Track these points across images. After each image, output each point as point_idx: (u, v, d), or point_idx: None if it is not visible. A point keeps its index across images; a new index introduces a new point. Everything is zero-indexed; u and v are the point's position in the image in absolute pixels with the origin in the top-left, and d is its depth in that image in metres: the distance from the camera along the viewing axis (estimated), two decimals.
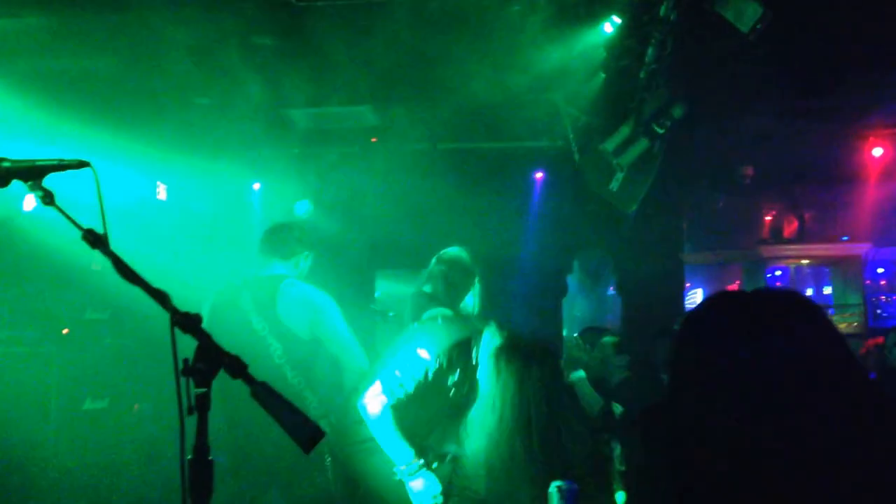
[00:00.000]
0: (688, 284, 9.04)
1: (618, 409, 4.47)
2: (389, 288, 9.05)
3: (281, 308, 4.17)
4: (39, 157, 2.29)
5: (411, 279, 6.97)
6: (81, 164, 2.33)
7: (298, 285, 4.25)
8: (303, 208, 7.73)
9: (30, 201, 6.01)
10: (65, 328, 5.90)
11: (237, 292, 4.22)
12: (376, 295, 8.72)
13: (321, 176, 7.83)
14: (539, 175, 7.72)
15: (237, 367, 2.02)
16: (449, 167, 7.16)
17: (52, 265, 6.06)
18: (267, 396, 2.00)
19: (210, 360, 2.00)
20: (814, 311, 1.41)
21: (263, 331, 4.09)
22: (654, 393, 4.52)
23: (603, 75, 5.23)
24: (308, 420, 1.96)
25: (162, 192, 7.27)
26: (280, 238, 4.36)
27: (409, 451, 3.33)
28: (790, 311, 1.39)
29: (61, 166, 2.29)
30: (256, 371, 1.84)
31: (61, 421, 5.28)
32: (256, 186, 8.29)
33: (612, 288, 8.84)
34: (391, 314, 5.29)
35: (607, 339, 4.86)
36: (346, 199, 7.60)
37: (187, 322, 2.04)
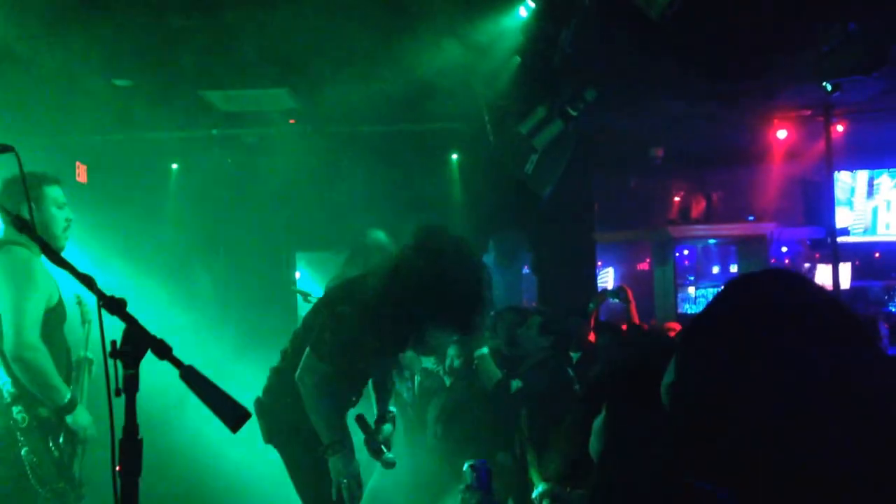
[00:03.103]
0: (599, 263, 9.31)
1: (515, 384, 4.53)
2: (309, 269, 9.09)
3: None
4: None
5: (331, 260, 7.04)
6: (4, 149, 2.35)
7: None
8: None
9: None
10: None
11: None
12: (296, 276, 8.74)
13: (240, 158, 7.79)
14: (455, 157, 7.84)
15: (163, 350, 2.07)
16: (367, 149, 7.23)
17: None
18: (194, 379, 2.06)
19: (137, 343, 2.05)
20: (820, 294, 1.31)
21: None
22: (562, 373, 4.62)
23: (518, 59, 5.34)
24: (235, 401, 2.03)
25: (82, 174, 7.14)
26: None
27: (335, 426, 3.39)
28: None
29: None
30: None
31: None
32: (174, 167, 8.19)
33: (526, 267, 9.04)
34: (312, 297, 5.34)
35: (535, 319, 4.93)
36: (265, 181, 7.58)
37: (114, 305, 2.09)
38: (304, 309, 6.21)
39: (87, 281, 2.15)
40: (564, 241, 7.57)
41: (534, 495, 3.20)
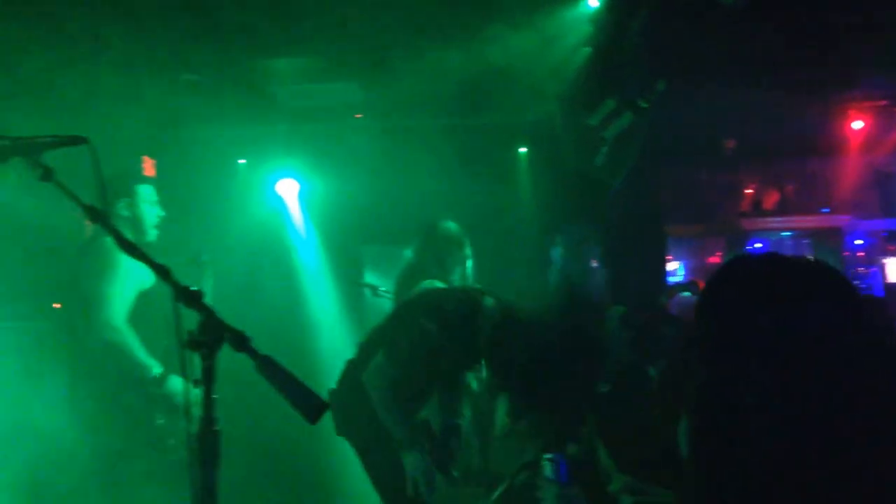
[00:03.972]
0: (669, 257, 9.13)
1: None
2: (376, 263, 9.09)
3: None
4: (37, 134, 2.32)
5: (396, 255, 7.04)
6: (78, 141, 2.37)
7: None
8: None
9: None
10: (56, 303, 5.91)
11: None
12: (363, 270, 8.75)
13: (307, 152, 7.83)
14: (522, 150, 7.75)
15: (240, 340, 2.06)
16: (434, 143, 7.17)
17: (42, 241, 6.07)
18: (270, 369, 2.05)
19: (213, 334, 2.05)
20: (834, 278, 1.37)
21: None
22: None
23: (588, 49, 5.25)
24: (312, 392, 2.01)
25: (149, 168, 7.25)
26: None
27: (406, 425, 3.37)
28: (809, 276, 1.36)
29: (59, 143, 2.32)
30: None
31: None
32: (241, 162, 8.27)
33: (594, 261, 8.89)
34: (383, 289, 5.34)
35: (616, 309, 4.83)
36: (331, 175, 7.60)
37: (189, 296, 2.09)
38: (371, 303, 6.24)
39: (163, 271, 2.16)
40: (634, 234, 7.42)
41: (612, 489, 3.13)
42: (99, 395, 3.88)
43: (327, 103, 7.20)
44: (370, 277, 8.27)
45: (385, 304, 5.67)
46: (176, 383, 3.95)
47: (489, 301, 3.53)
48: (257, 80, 6.66)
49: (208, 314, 2.06)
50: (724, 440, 1.28)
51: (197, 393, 2.04)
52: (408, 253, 5.02)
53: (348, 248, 8.25)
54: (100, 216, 2.22)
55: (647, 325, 4.88)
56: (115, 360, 3.86)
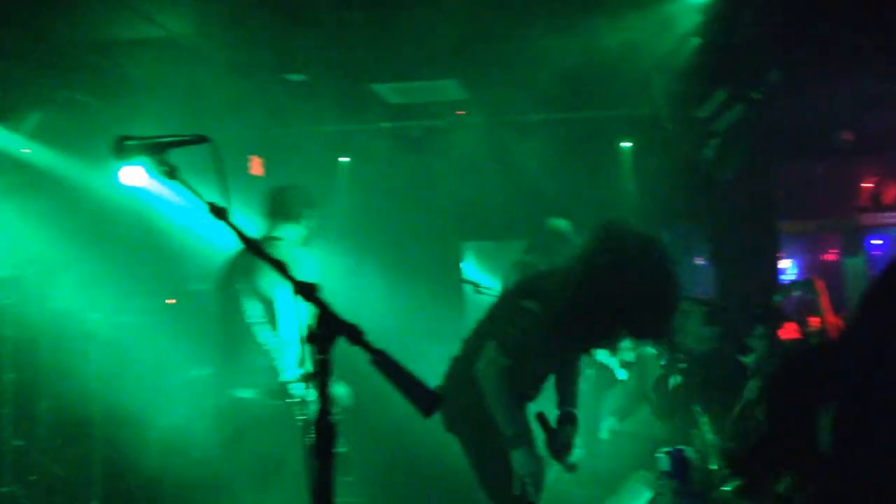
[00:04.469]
0: (782, 255, 8.81)
1: (674, 380, 4.34)
2: (478, 259, 9.09)
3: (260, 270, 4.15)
4: (161, 134, 2.41)
5: (498, 251, 7.03)
6: (201, 140, 2.44)
7: (291, 249, 4.24)
8: None
9: (126, 175, 6.24)
10: (170, 298, 6.17)
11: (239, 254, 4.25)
12: (465, 266, 8.77)
13: (409, 150, 7.89)
14: (627, 144, 7.59)
15: (355, 335, 2.07)
16: (536, 138, 7.12)
17: (155, 237, 6.33)
18: (385, 363, 2.05)
19: (329, 328, 2.07)
20: None
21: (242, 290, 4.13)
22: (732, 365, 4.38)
23: (696, 40, 5.10)
24: (426, 386, 2.01)
25: (256, 167, 7.45)
26: (285, 199, 4.38)
27: (516, 420, 3.34)
28: None
29: (182, 142, 2.40)
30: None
31: (170, 387, 5.51)
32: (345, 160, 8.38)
33: (701, 258, 8.67)
34: (483, 287, 5.34)
35: (697, 308, 4.74)
36: (433, 172, 7.64)
37: (306, 290, 2.11)
38: (473, 299, 6.23)
39: (280, 266, 2.19)
40: (744, 230, 7.19)
41: (724, 489, 3.05)
42: None
43: (429, 100, 7.23)
44: (471, 274, 8.29)
45: (487, 300, 5.66)
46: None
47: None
48: (360, 78, 6.74)
49: (325, 308, 2.08)
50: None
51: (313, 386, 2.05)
52: (510, 249, 4.99)
53: (449, 244, 8.27)
54: (222, 213, 2.27)
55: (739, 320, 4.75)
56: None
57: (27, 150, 5.96)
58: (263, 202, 4.42)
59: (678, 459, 2.81)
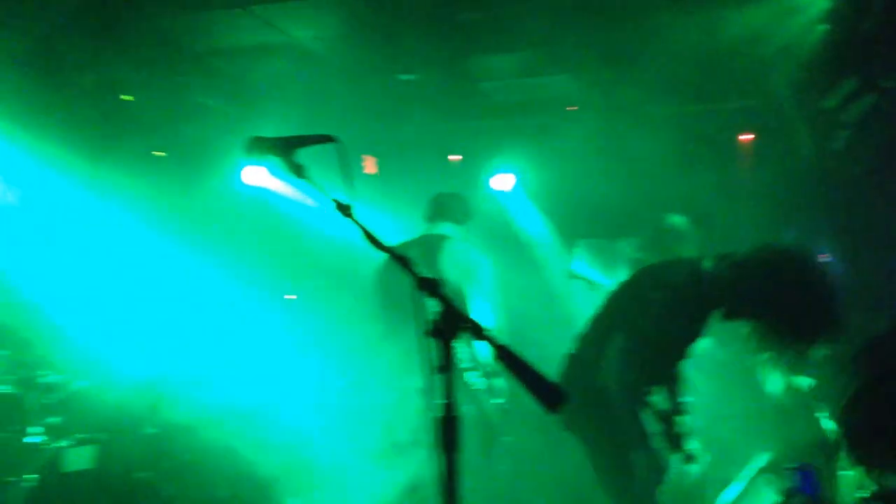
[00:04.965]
0: None
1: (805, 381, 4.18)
2: (591, 256, 8.98)
3: (442, 262, 4.68)
4: (290, 134, 2.49)
5: (613, 247, 6.91)
6: (328, 139, 2.52)
7: (463, 244, 4.94)
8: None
9: (249, 174, 6.50)
10: (290, 294, 6.36)
11: (407, 248, 4.67)
12: (577, 263, 8.67)
13: (519, 147, 7.87)
14: (749, 136, 7.32)
15: (479, 330, 2.10)
16: (652, 132, 6.96)
17: (276, 234, 6.54)
18: (509, 358, 2.07)
19: (452, 323, 2.09)
20: None
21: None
22: None
23: (824, 27, 4.89)
24: (551, 382, 2.01)
25: (370, 166, 7.60)
26: (456, 206, 5.17)
27: (639, 418, 3.29)
28: None
29: (310, 141, 2.48)
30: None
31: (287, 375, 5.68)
32: (455, 159, 8.42)
33: (826, 255, 8.28)
34: (596, 284, 5.29)
35: None
36: (544, 169, 7.59)
37: (429, 286, 2.15)
38: (585, 296, 6.17)
39: (404, 262, 2.23)
40: (875, 228, 6.82)
41: (861, 496, 2.92)
42: None
43: (540, 97, 7.19)
44: (584, 270, 8.19)
45: (601, 297, 5.59)
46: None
47: (707, 263, 3.40)
48: (470, 76, 6.77)
49: (448, 304, 2.10)
50: None
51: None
52: (622, 245, 4.97)
53: (561, 241, 8.21)
54: (347, 210, 2.33)
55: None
56: None
57: (160, 154, 6.26)
58: (427, 206, 5.18)
59: (810, 475, 2.69)
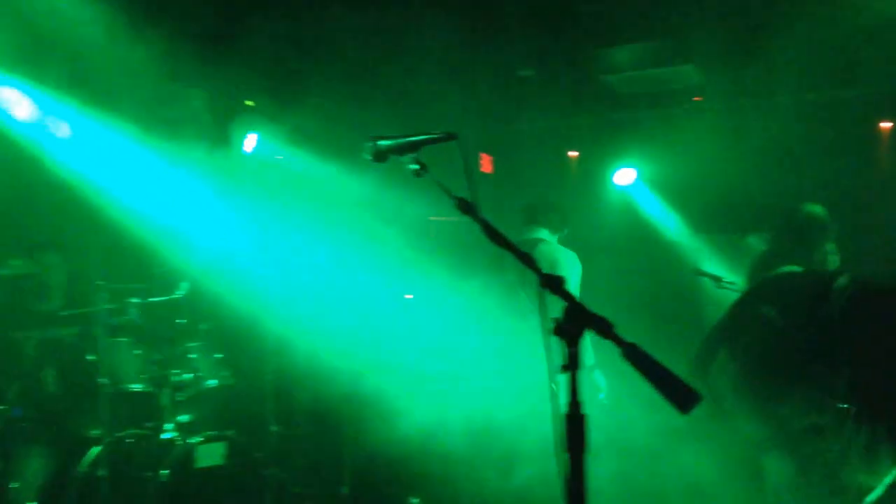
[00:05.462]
0: None
1: None
2: (717, 252, 8.69)
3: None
4: (413, 134, 2.49)
5: (742, 243, 6.64)
6: (450, 137, 2.49)
7: (554, 245, 5.17)
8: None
9: None
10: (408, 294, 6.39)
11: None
12: (703, 260, 8.41)
13: (641, 141, 7.68)
14: (888, 124, 6.89)
15: (605, 328, 2.03)
16: (780, 122, 6.66)
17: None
18: (638, 357, 1.99)
19: (577, 320, 2.03)
20: None
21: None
22: None
23: None
24: (683, 382, 1.93)
25: (487, 164, 7.58)
26: (554, 214, 5.33)
27: (763, 424, 3.15)
28: None
29: (432, 140, 2.46)
30: None
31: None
32: (573, 155, 8.31)
33: None
34: (727, 280, 5.09)
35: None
36: (667, 163, 7.38)
37: (553, 283, 2.09)
38: (712, 294, 5.95)
39: (527, 260, 2.19)
40: None
41: None
42: None
43: (662, 88, 6.99)
44: (710, 267, 7.91)
45: (728, 295, 5.38)
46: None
47: (842, 281, 3.18)
48: (590, 70, 6.64)
49: (573, 301, 2.05)
50: None
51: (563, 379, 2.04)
52: (752, 240, 4.75)
53: (685, 236, 7.97)
54: (470, 208, 2.30)
55: None
56: None
57: (281, 157, 6.43)
58: (523, 212, 5.33)
59: None
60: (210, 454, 4.81)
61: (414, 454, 5.28)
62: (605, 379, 4.92)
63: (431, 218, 7.00)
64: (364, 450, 5.74)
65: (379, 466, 5.74)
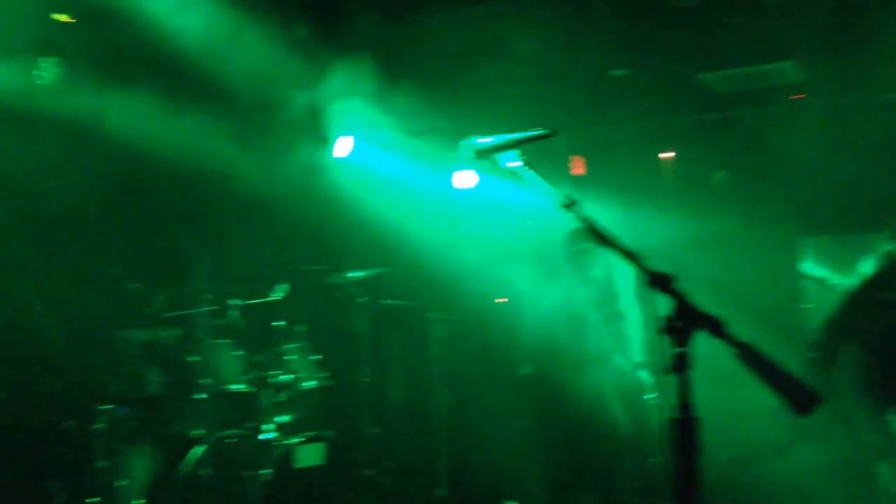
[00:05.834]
0: None
1: None
2: (821, 255, 8.40)
3: None
4: (511, 133, 2.48)
5: (848, 244, 6.39)
6: (550, 135, 2.48)
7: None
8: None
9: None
10: (500, 297, 6.38)
11: None
12: (806, 262, 8.13)
13: (738, 140, 7.47)
14: None
15: (717, 327, 1.97)
16: (891, 119, 6.38)
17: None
18: (753, 357, 1.93)
19: (688, 319, 1.98)
20: None
21: None
22: None
23: None
24: (801, 382, 1.86)
25: (578, 167, 7.48)
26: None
27: (882, 427, 3.02)
28: None
29: (533, 137, 2.46)
30: None
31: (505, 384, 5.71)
32: (668, 156, 8.13)
33: None
34: (833, 282, 4.91)
35: None
36: (766, 164, 7.16)
37: (661, 281, 2.04)
38: (814, 296, 5.75)
39: (634, 257, 2.15)
40: None
41: None
42: None
43: (762, 86, 6.79)
44: (815, 270, 7.63)
45: (833, 297, 5.21)
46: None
47: None
48: (687, 68, 6.50)
49: (683, 300, 2.00)
50: None
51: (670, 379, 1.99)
52: (873, 238, 4.60)
53: (786, 239, 7.71)
54: (574, 205, 2.28)
55: None
56: None
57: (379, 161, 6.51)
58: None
59: None
60: (310, 455, 4.88)
61: (512, 457, 5.27)
62: (651, 378, 4.79)
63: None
64: (461, 452, 5.76)
65: (475, 469, 5.74)
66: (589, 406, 4.34)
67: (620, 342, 4.54)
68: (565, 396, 4.44)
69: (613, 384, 4.42)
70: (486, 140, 2.45)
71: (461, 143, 2.47)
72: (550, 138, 2.47)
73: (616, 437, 4.34)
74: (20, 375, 4.45)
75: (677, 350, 1.97)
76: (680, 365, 1.97)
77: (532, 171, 2.35)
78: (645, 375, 4.63)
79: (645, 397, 4.54)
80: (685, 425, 1.95)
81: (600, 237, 2.20)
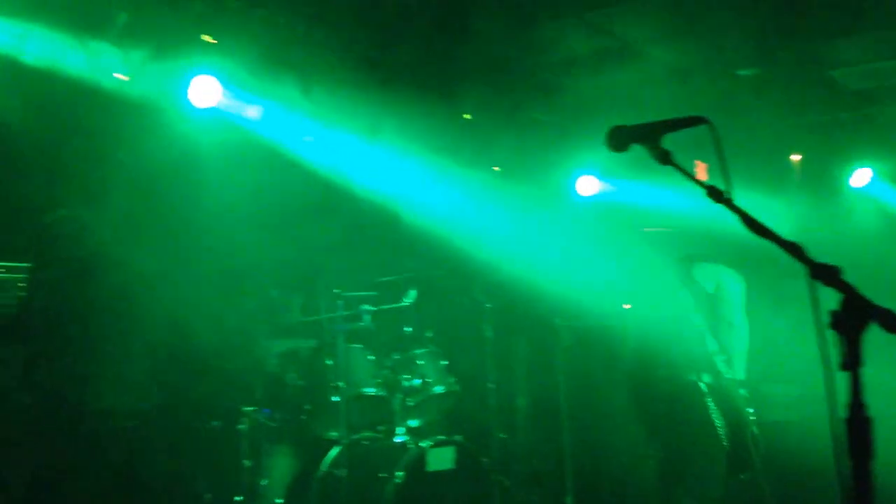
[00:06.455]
0: None
1: None
2: None
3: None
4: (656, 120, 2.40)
5: None
6: (698, 122, 2.39)
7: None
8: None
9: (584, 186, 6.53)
10: (626, 303, 6.28)
11: None
12: None
13: (875, 139, 7.14)
14: None
15: (891, 321, 1.87)
16: None
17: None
18: None
19: (857, 313, 1.89)
20: None
21: None
22: None
23: None
24: None
25: (702, 172, 7.29)
26: None
27: None
28: None
29: (680, 124, 2.37)
30: None
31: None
32: (795, 158, 7.84)
33: None
34: None
35: None
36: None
37: (827, 274, 1.95)
38: None
39: (795, 249, 2.06)
40: None
41: None
42: None
43: None
44: None
45: None
46: None
47: None
48: (819, 65, 6.25)
49: (852, 292, 1.91)
50: None
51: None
52: None
53: None
54: (722, 197, 2.20)
55: None
56: None
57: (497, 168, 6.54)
58: None
59: None
60: (441, 458, 4.91)
61: (636, 465, 5.17)
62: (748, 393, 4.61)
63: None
64: (587, 459, 5.69)
65: (601, 477, 5.66)
66: (694, 415, 4.25)
67: (727, 354, 4.39)
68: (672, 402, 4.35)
69: (719, 395, 4.26)
70: (629, 128, 2.36)
71: (610, 129, 2.40)
72: (700, 125, 2.38)
73: (716, 446, 4.21)
74: (177, 380, 4.67)
75: (848, 346, 1.88)
76: (850, 361, 1.88)
77: (676, 161, 2.28)
78: (744, 392, 4.45)
79: (747, 410, 4.39)
80: (857, 425, 1.85)
81: (755, 227, 2.11)
